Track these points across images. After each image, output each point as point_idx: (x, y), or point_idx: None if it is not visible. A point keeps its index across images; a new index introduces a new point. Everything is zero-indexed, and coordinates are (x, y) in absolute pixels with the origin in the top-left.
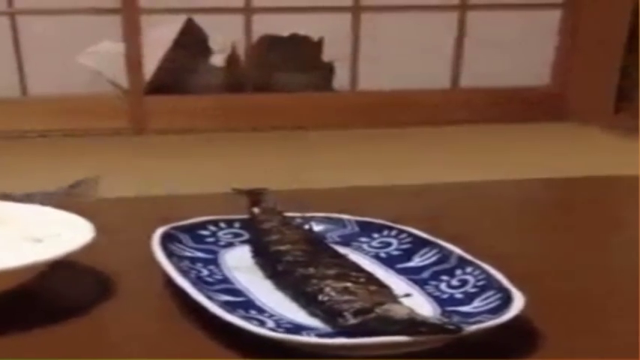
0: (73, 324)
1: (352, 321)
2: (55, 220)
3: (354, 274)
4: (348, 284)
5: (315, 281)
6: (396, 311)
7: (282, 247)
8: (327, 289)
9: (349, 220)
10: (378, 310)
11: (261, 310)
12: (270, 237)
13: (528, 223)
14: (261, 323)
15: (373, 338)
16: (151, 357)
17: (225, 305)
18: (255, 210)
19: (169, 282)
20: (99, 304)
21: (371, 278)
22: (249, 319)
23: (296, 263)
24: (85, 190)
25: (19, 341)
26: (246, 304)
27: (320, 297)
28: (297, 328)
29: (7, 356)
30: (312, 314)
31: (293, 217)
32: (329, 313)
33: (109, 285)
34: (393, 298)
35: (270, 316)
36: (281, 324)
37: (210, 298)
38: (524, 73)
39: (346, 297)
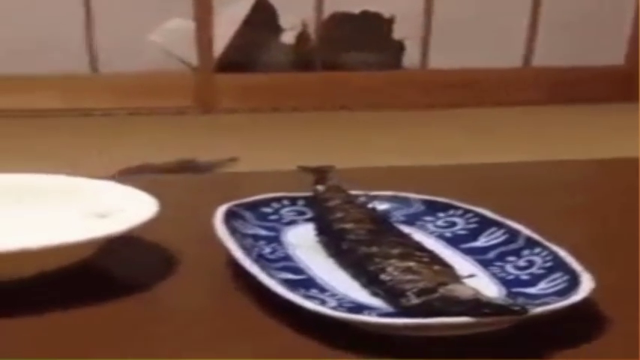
0: (133, 299)
1: (415, 301)
2: (120, 195)
3: (417, 253)
4: (412, 264)
5: (377, 260)
6: (460, 291)
7: (346, 226)
8: (390, 269)
9: (415, 199)
10: (442, 290)
11: (322, 289)
12: (334, 215)
13: (598, 205)
14: (322, 302)
15: (436, 319)
16: (210, 334)
17: (286, 283)
18: (320, 188)
19: (231, 259)
20: (160, 280)
21: (435, 258)
22: (310, 297)
23: (359, 242)
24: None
25: (81, 315)
26: (307, 283)
27: (382, 276)
28: (359, 308)
29: (69, 330)
30: (374, 294)
31: (357, 196)
32: (391, 293)
33: (171, 261)
34: (457, 279)
35: (332, 295)
36: (342, 303)
37: (271, 275)
38: (598, 52)
39: (409, 276)
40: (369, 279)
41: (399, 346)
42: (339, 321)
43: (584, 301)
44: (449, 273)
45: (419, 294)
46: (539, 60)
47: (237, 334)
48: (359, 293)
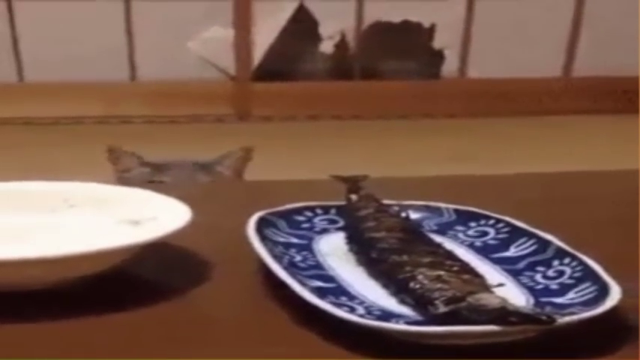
0: (166, 305)
1: (443, 309)
2: (154, 203)
3: (448, 262)
4: (442, 273)
5: (408, 269)
6: (488, 300)
7: (377, 235)
8: (420, 277)
9: (447, 209)
10: (470, 299)
11: (351, 297)
12: (365, 224)
13: (630, 217)
14: (352, 310)
15: (463, 327)
16: (241, 339)
17: (316, 291)
18: (353, 197)
19: (262, 267)
20: (193, 287)
21: (465, 267)
22: (339, 305)
23: (390, 250)
24: (234, 163)
25: (116, 320)
26: (337, 291)
27: (411, 284)
28: (387, 316)
29: (104, 334)
30: (403, 302)
31: (390, 205)
32: (420, 301)
33: (203, 268)
34: (486, 288)
35: (361, 302)
36: (371, 311)
37: (301, 283)
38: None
39: (438, 285)
40: (399, 287)
41: (427, 354)
42: (367, 328)
43: (612, 312)
44: (478, 282)
45: (447, 302)
46: (578, 70)
47: (267, 340)
48: (388, 301)
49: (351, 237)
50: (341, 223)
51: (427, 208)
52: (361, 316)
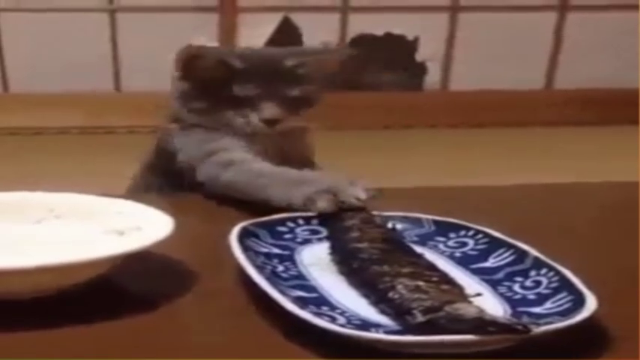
0: (148, 314)
1: (420, 319)
2: (138, 214)
3: (427, 272)
4: (421, 283)
5: (387, 279)
6: (465, 310)
7: (360, 245)
8: (399, 287)
9: (427, 220)
10: (448, 309)
11: (333, 307)
12: (349, 234)
13: (605, 227)
14: (333, 319)
15: (441, 336)
16: (222, 349)
17: (298, 301)
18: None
19: (244, 277)
20: (175, 298)
21: (444, 277)
22: (320, 315)
23: (371, 261)
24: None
25: (98, 328)
26: (318, 301)
27: (390, 294)
28: (368, 325)
29: (85, 343)
30: (382, 312)
31: (376, 216)
32: (398, 311)
33: (186, 278)
34: (464, 298)
35: (342, 312)
36: (352, 320)
37: (283, 293)
38: (619, 75)
39: (417, 295)
40: (379, 297)
41: None
42: (347, 338)
43: (590, 320)
44: (456, 292)
45: (425, 312)
46: (560, 82)
47: (248, 350)
48: (368, 311)
49: (334, 247)
50: (323, 234)
51: (407, 219)
52: (342, 325)
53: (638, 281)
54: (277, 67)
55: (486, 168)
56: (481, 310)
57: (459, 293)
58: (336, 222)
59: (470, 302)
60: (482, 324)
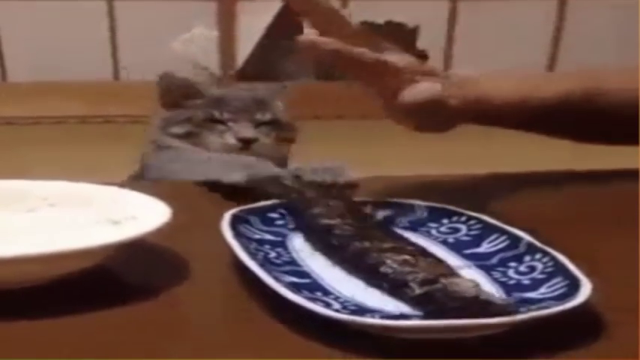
0: (144, 304)
1: (419, 291)
2: (133, 202)
3: (407, 247)
4: (406, 257)
5: (374, 255)
6: (460, 285)
7: (332, 221)
8: (389, 262)
9: (419, 206)
10: (444, 281)
11: (326, 292)
12: (313, 209)
13: (599, 214)
14: (327, 305)
15: (438, 321)
16: (218, 338)
17: (292, 286)
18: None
19: (240, 264)
20: (171, 286)
21: (423, 251)
22: (314, 300)
23: (349, 237)
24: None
25: (93, 318)
26: (312, 286)
27: (382, 269)
28: (362, 310)
29: (81, 333)
30: (376, 286)
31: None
32: (394, 285)
33: (182, 267)
34: (452, 271)
35: (336, 297)
36: (347, 306)
37: (277, 279)
38: (621, 63)
39: (408, 268)
40: (369, 273)
41: (402, 349)
42: (342, 323)
43: (583, 306)
44: (443, 266)
45: (421, 284)
46: (561, 70)
47: (244, 338)
48: (363, 296)
49: (304, 226)
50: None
51: (399, 205)
52: (337, 310)
53: (634, 266)
54: (251, 94)
55: (487, 156)
56: (477, 285)
57: (446, 267)
58: (298, 197)
59: (461, 276)
60: (479, 300)
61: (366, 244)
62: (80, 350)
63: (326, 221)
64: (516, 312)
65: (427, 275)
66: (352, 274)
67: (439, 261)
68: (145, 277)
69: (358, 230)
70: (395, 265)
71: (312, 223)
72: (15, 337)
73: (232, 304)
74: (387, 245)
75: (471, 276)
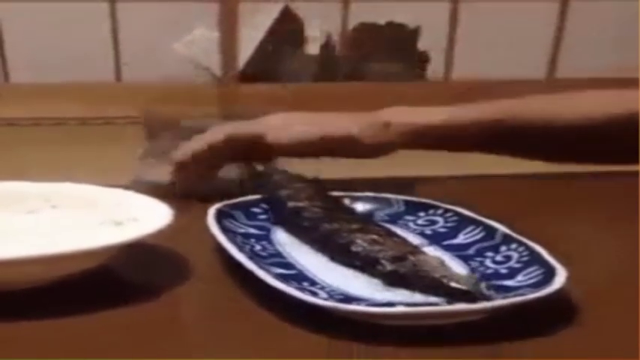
0: (146, 304)
1: (390, 267)
2: (136, 204)
3: (373, 228)
4: (374, 236)
5: (344, 234)
6: (428, 261)
7: (300, 204)
8: (359, 241)
9: (396, 200)
10: (412, 258)
11: (313, 282)
12: (282, 191)
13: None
14: (314, 294)
15: (423, 307)
16: (217, 335)
17: (280, 277)
18: (258, 167)
19: (233, 262)
20: (172, 286)
21: (388, 231)
22: (302, 290)
23: (319, 220)
24: None
25: (96, 319)
26: (298, 277)
27: (353, 248)
28: (348, 299)
29: (84, 333)
30: (350, 265)
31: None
32: (366, 262)
33: (183, 267)
34: (416, 248)
35: (322, 287)
36: (333, 295)
37: (266, 271)
38: (622, 64)
39: (377, 247)
40: (340, 251)
41: (384, 335)
42: (329, 311)
43: (562, 295)
44: (407, 243)
45: (392, 261)
46: (563, 71)
47: (245, 337)
48: (349, 284)
49: (279, 217)
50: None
51: (376, 199)
52: (324, 299)
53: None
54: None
55: (482, 157)
56: (442, 261)
57: (410, 244)
58: (265, 180)
59: (427, 253)
60: (446, 288)
61: (335, 225)
62: (82, 350)
63: (294, 203)
64: (484, 296)
65: (395, 253)
66: (322, 253)
67: (404, 240)
68: (146, 278)
69: (326, 212)
70: (365, 244)
71: (280, 206)
72: (17, 337)
73: (232, 304)
74: (355, 226)
75: (433, 253)
